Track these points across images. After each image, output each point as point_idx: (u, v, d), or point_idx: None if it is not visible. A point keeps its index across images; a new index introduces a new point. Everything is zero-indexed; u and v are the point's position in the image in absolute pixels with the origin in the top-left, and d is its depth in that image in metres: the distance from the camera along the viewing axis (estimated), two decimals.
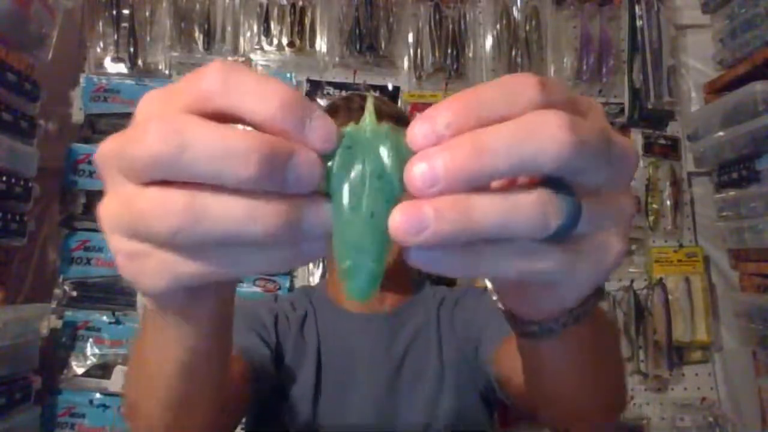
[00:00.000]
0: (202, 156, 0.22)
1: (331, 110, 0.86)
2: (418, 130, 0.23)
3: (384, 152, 0.25)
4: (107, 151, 0.25)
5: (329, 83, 1.50)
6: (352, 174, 0.24)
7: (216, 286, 0.32)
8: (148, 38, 1.48)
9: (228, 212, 0.22)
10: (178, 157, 0.22)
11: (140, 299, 1.37)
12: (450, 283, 1.43)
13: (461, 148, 0.22)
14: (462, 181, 0.22)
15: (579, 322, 0.33)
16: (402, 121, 0.91)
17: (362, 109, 0.85)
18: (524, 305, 0.34)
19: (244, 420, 0.83)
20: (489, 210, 0.23)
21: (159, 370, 0.39)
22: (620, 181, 0.27)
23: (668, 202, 1.50)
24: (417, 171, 0.23)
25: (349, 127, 0.25)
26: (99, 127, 1.43)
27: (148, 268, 0.25)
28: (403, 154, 0.24)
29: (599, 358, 0.40)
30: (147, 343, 0.38)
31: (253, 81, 0.23)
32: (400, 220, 0.23)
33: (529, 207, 0.23)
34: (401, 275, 0.88)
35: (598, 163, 0.24)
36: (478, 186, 0.23)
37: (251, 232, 0.23)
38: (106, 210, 0.26)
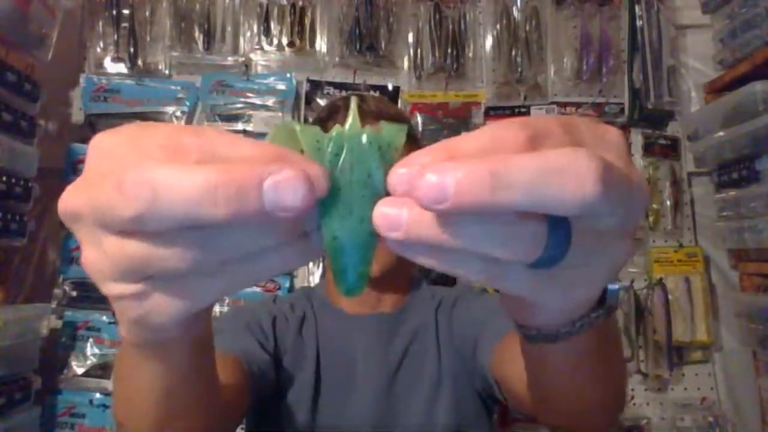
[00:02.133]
0: (176, 207, 0.21)
1: (331, 110, 0.86)
2: (397, 173, 0.23)
3: (369, 157, 0.25)
4: (78, 207, 0.25)
5: (329, 83, 1.50)
6: (341, 183, 0.25)
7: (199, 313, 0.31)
8: (148, 38, 1.48)
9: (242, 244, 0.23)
10: (153, 213, 0.21)
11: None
12: (448, 282, 1.43)
13: (477, 173, 0.21)
14: (470, 210, 0.21)
15: (580, 332, 0.32)
16: (402, 121, 0.91)
17: (360, 109, 0.85)
18: (517, 312, 0.34)
19: (244, 420, 0.83)
20: (471, 231, 0.22)
21: (141, 397, 0.38)
22: (628, 224, 0.25)
23: (668, 202, 1.49)
24: (425, 185, 0.21)
25: (335, 131, 0.25)
26: (99, 127, 1.43)
27: (157, 302, 0.25)
28: (388, 159, 0.25)
29: (601, 364, 0.40)
30: (126, 374, 0.37)
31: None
32: (381, 217, 0.23)
33: (516, 235, 0.22)
34: (399, 276, 0.88)
35: (616, 211, 0.23)
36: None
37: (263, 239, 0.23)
38: (95, 263, 0.25)
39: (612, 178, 0.22)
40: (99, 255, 0.25)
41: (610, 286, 0.32)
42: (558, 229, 0.23)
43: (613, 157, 0.24)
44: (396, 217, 0.23)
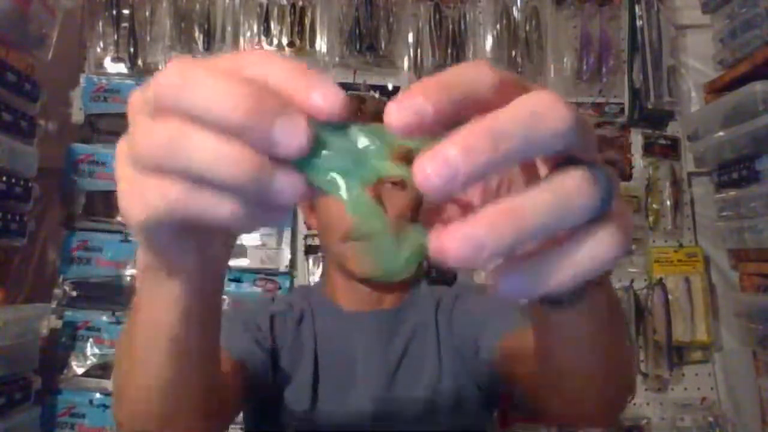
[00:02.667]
0: (200, 96, 0.24)
1: None
2: (396, 116, 0.24)
3: (361, 140, 0.26)
4: (135, 98, 0.28)
5: None
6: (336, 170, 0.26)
7: (201, 239, 0.33)
8: (148, 38, 1.48)
9: (205, 146, 0.24)
10: (187, 93, 0.24)
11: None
12: (447, 282, 1.43)
13: (477, 138, 0.23)
14: (482, 172, 0.23)
15: (599, 285, 0.34)
16: None
17: (360, 111, 0.85)
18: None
19: (242, 421, 0.84)
20: (539, 205, 0.23)
21: (150, 343, 0.39)
22: (592, 151, 0.27)
23: (668, 202, 1.50)
24: (430, 168, 0.23)
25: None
26: (99, 127, 1.44)
27: (136, 194, 0.26)
28: (385, 139, 0.26)
29: (612, 329, 0.40)
30: (138, 314, 0.39)
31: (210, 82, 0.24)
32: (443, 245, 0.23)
33: (575, 188, 0.24)
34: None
35: (585, 133, 0.25)
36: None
37: (222, 171, 0.24)
38: (121, 143, 0.28)
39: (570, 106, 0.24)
40: (126, 139, 0.28)
41: None
42: (595, 169, 0.25)
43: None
44: (474, 240, 0.23)
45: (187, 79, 0.24)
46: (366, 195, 0.26)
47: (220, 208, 0.25)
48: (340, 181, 0.26)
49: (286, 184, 0.25)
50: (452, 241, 0.23)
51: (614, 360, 0.43)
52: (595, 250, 0.25)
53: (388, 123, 0.24)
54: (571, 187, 0.24)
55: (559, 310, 0.35)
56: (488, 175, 0.23)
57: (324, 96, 0.25)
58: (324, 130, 0.26)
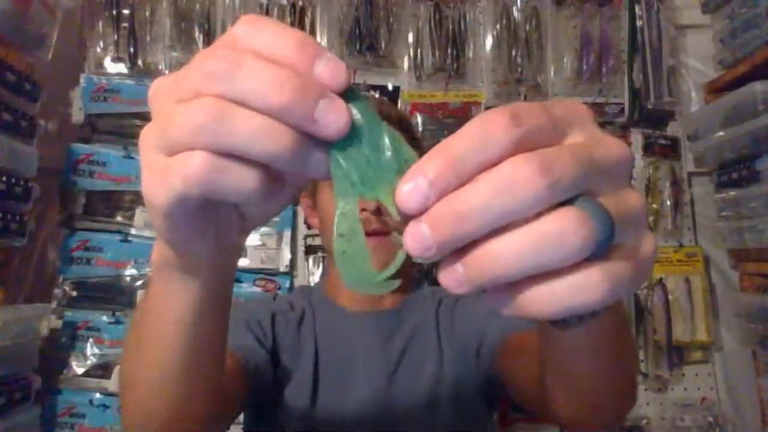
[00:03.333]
0: (250, 77, 0.25)
1: None
2: (405, 191, 0.24)
3: (386, 150, 0.28)
4: (161, 85, 0.28)
5: None
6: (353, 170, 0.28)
7: (219, 226, 0.33)
8: (148, 38, 1.48)
9: (250, 121, 0.25)
10: (232, 76, 0.25)
11: (140, 296, 1.37)
12: None
13: (443, 220, 0.24)
14: (452, 245, 0.24)
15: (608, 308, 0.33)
16: (403, 122, 0.91)
17: None
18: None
19: (243, 420, 0.84)
20: (514, 250, 0.23)
21: (162, 331, 0.39)
22: (618, 184, 0.26)
23: (668, 202, 1.49)
24: (410, 240, 0.24)
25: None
26: (99, 127, 1.43)
27: (161, 176, 0.27)
28: (402, 155, 0.28)
29: (619, 345, 0.40)
30: (151, 303, 0.39)
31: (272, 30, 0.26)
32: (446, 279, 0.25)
33: (557, 229, 0.23)
34: (399, 274, 0.88)
35: (589, 179, 0.24)
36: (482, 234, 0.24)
37: (264, 143, 0.25)
38: (147, 129, 0.28)
39: (557, 161, 0.23)
40: (153, 124, 0.28)
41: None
42: (593, 207, 0.24)
43: (589, 128, 0.26)
44: (453, 274, 0.25)
45: (231, 64, 0.25)
46: (355, 213, 0.28)
47: (244, 181, 0.26)
48: (341, 194, 0.28)
49: (320, 158, 0.27)
50: (441, 276, 0.25)
51: (618, 374, 0.43)
52: (584, 288, 0.24)
53: (398, 201, 0.25)
54: (558, 230, 0.23)
55: (561, 328, 0.34)
56: (466, 240, 0.24)
57: (328, 68, 0.26)
58: (362, 118, 0.27)
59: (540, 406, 0.55)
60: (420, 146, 0.96)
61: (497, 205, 0.23)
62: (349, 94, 0.27)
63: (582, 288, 0.24)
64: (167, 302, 0.38)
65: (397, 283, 0.29)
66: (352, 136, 0.27)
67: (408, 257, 0.27)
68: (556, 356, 0.43)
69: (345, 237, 0.29)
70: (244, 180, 0.26)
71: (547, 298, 0.24)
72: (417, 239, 0.24)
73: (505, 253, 0.23)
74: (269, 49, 0.26)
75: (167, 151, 0.27)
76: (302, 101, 0.25)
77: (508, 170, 0.23)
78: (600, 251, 0.23)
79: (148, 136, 0.28)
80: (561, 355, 0.42)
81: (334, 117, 0.26)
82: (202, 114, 0.25)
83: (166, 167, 0.27)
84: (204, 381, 0.44)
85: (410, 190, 0.24)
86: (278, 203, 0.32)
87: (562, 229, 0.23)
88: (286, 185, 0.30)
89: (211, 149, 0.26)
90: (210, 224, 0.33)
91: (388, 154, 0.28)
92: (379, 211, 0.76)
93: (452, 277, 0.24)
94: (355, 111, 0.27)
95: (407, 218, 0.25)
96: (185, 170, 0.26)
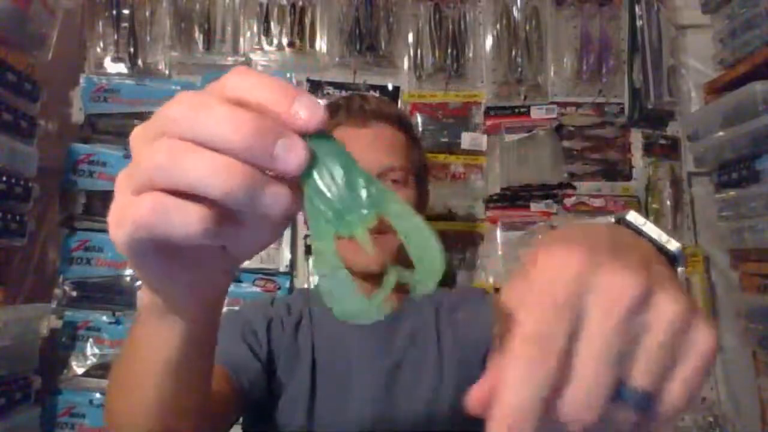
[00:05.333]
0: (210, 119, 0.26)
1: (332, 109, 0.86)
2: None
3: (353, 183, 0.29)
4: (137, 130, 0.29)
5: (329, 83, 1.50)
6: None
7: (191, 268, 0.33)
8: (148, 38, 1.48)
9: (204, 160, 0.26)
10: (193, 119, 0.26)
11: (139, 300, 1.37)
12: (447, 283, 1.43)
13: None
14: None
15: None
16: (403, 121, 0.91)
17: (361, 109, 0.85)
18: None
19: (242, 420, 0.83)
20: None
21: (148, 368, 0.39)
22: (672, 331, 0.26)
23: (668, 202, 1.49)
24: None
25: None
26: (99, 127, 1.43)
27: (120, 215, 0.28)
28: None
29: None
30: (138, 341, 0.39)
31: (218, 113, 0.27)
32: None
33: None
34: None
35: (628, 362, 0.25)
36: None
37: (216, 182, 0.26)
38: (120, 175, 0.29)
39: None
40: (126, 169, 0.29)
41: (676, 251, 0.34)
42: (629, 394, 0.25)
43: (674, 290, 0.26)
44: None
45: (193, 108, 0.26)
46: (332, 250, 0.29)
47: (188, 223, 0.26)
48: (316, 234, 0.29)
49: (276, 194, 0.27)
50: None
51: None
52: None
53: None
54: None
55: None
56: None
57: (306, 108, 0.27)
58: (323, 155, 0.28)
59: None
60: (419, 146, 0.95)
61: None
62: (319, 134, 0.28)
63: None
64: (150, 347, 0.38)
65: (390, 306, 0.29)
66: (324, 175, 0.28)
67: (399, 270, 0.29)
68: None
69: (327, 276, 0.30)
70: (189, 221, 0.26)
71: None
72: None
73: None
74: (251, 93, 0.27)
75: (133, 191, 0.28)
76: (261, 139, 0.26)
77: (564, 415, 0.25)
78: (647, 408, 0.26)
79: (120, 177, 0.29)
80: None
81: (293, 154, 0.26)
82: (161, 153, 0.26)
83: (122, 209, 0.28)
84: (189, 416, 0.44)
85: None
86: (260, 240, 0.32)
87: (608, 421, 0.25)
88: (266, 222, 0.30)
89: (169, 188, 0.26)
90: (186, 263, 0.32)
91: (362, 192, 0.28)
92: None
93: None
94: (326, 150, 0.28)
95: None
96: (135, 213, 0.27)
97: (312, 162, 0.28)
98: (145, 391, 0.40)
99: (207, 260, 0.33)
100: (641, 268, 0.26)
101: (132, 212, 0.27)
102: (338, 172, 0.28)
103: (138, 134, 0.29)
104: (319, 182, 0.28)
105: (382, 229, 0.29)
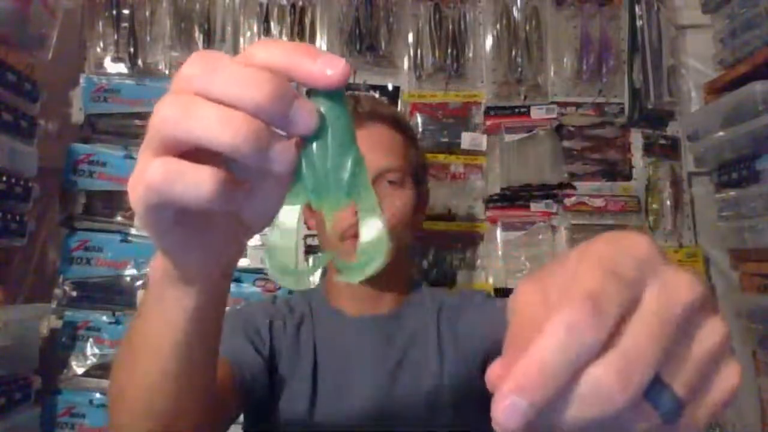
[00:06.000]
0: (230, 77, 0.27)
1: None
2: (503, 411, 0.23)
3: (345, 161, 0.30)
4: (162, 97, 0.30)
5: None
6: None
7: (204, 232, 0.33)
8: (148, 38, 1.48)
9: (212, 110, 0.26)
10: (211, 76, 0.27)
11: (141, 299, 1.37)
12: (447, 284, 1.43)
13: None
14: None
15: None
16: (399, 121, 0.91)
17: (354, 111, 0.85)
18: None
19: (242, 420, 0.83)
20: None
21: (158, 341, 0.39)
22: (696, 330, 0.25)
23: (668, 202, 1.49)
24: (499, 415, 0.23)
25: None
26: (99, 127, 1.43)
27: (137, 179, 0.28)
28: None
29: None
30: (148, 313, 0.39)
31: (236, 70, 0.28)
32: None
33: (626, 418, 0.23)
34: (398, 275, 0.87)
35: (663, 356, 0.23)
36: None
37: (224, 133, 0.26)
38: (144, 140, 0.29)
39: (635, 364, 0.23)
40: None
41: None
42: (660, 393, 0.24)
43: (660, 275, 0.24)
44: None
45: (213, 67, 0.27)
46: (298, 211, 0.31)
47: (200, 185, 0.27)
48: (292, 193, 0.30)
49: (282, 151, 0.28)
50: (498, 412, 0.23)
51: None
52: None
53: (497, 420, 0.23)
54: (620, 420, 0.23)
55: None
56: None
57: (330, 65, 0.28)
58: (329, 122, 0.29)
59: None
60: (416, 146, 0.95)
61: (585, 417, 0.23)
62: (334, 96, 0.29)
63: None
64: (161, 316, 0.38)
65: (307, 281, 0.31)
66: (320, 145, 0.29)
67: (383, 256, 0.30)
68: None
69: (280, 230, 0.31)
70: (200, 183, 0.27)
71: None
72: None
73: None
74: (275, 57, 0.28)
75: (150, 155, 0.28)
76: (280, 99, 0.27)
77: (591, 385, 0.22)
78: (671, 422, 0.24)
79: (143, 144, 0.29)
80: None
81: (306, 118, 0.28)
82: (170, 106, 0.27)
83: (138, 174, 0.28)
84: (196, 396, 0.44)
85: (509, 411, 0.22)
86: (268, 206, 0.32)
87: (629, 419, 0.23)
88: (271, 182, 0.30)
89: (177, 141, 0.27)
90: (200, 230, 0.32)
91: (346, 176, 0.30)
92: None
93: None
94: (333, 117, 0.29)
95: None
96: (147, 177, 0.27)
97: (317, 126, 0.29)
98: (154, 363, 0.40)
99: (221, 226, 0.34)
100: (699, 282, 0.25)
101: (145, 176, 0.27)
102: (334, 148, 0.29)
103: (162, 99, 0.29)
104: (314, 150, 0.29)
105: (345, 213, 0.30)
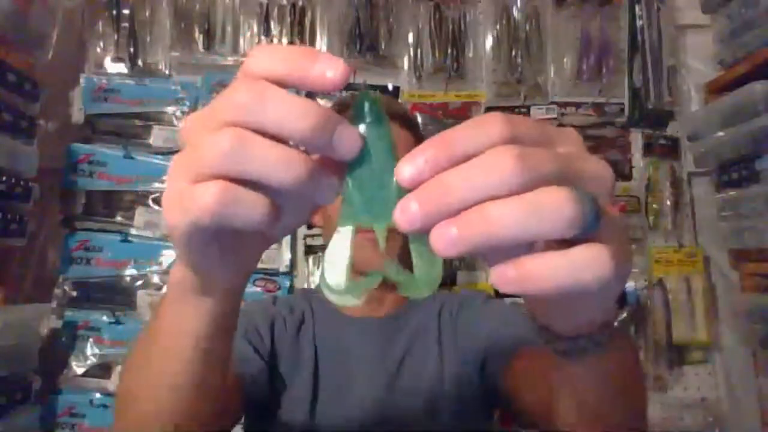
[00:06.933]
0: (277, 108, 0.27)
1: (341, 107, 0.87)
2: (403, 165, 0.27)
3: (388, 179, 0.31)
4: (193, 118, 0.30)
5: None
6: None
7: (238, 252, 0.35)
8: (148, 38, 1.48)
9: (270, 150, 0.27)
10: (261, 107, 0.27)
11: (141, 299, 1.37)
12: (448, 285, 1.43)
13: (429, 194, 0.27)
14: (436, 217, 0.26)
15: (612, 339, 0.35)
16: (410, 120, 0.91)
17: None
18: (560, 320, 0.35)
19: (243, 420, 0.83)
20: (506, 212, 0.25)
21: (175, 343, 0.40)
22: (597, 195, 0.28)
23: (668, 202, 1.49)
24: (398, 214, 0.27)
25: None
26: (99, 127, 1.43)
27: (179, 202, 0.28)
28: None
29: (625, 382, 0.41)
30: (166, 316, 0.40)
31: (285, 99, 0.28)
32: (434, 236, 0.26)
33: (550, 202, 0.25)
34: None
35: (565, 179, 0.26)
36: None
37: (283, 173, 0.27)
38: (176, 157, 0.30)
39: (533, 157, 0.26)
40: (182, 156, 0.30)
41: (627, 288, 0.35)
42: (583, 194, 0.26)
43: (577, 147, 0.30)
44: (445, 232, 0.26)
45: (259, 95, 0.27)
46: (351, 231, 0.32)
47: (255, 211, 0.28)
48: (343, 216, 0.31)
49: (331, 183, 0.29)
50: (434, 237, 0.26)
51: (625, 410, 0.43)
52: (578, 265, 0.26)
53: (396, 173, 0.27)
54: (546, 201, 0.25)
55: (566, 358, 0.36)
56: (450, 212, 0.26)
57: (328, 67, 0.28)
58: (371, 144, 0.31)
59: (544, 421, 0.55)
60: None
61: (478, 183, 0.26)
62: (375, 120, 0.31)
63: (577, 265, 0.26)
64: (181, 323, 0.39)
65: (365, 296, 0.32)
66: (366, 166, 0.30)
67: (396, 266, 0.31)
68: (564, 384, 0.44)
69: (332, 253, 0.32)
70: (254, 210, 0.28)
71: (545, 273, 0.26)
72: (404, 212, 0.26)
73: (496, 214, 0.25)
74: (277, 66, 0.29)
75: (193, 178, 0.28)
76: (324, 127, 0.28)
77: (489, 155, 0.26)
78: (590, 229, 0.26)
79: (176, 163, 0.29)
80: (568, 383, 0.43)
81: (349, 143, 0.29)
82: (228, 142, 0.27)
83: (185, 196, 0.28)
84: (209, 399, 0.45)
85: (408, 164, 0.27)
86: (297, 223, 0.35)
87: (552, 200, 0.25)
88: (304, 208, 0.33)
89: (233, 176, 0.27)
90: (232, 247, 0.34)
91: (392, 194, 0.30)
92: None
93: (445, 239, 0.26)
94: (374, 138, 0.31)
95: None
96: (202, 200, 0.27)
97: (360, 149, 0.30)
98: (169, 366, 0.41)
99: (250, 242, 0.35)
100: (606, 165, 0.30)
101: (198, 200, 0.27)
102: (378, 167, 0.30)
103: (195, 122, 0.29)
104: (360, 172, 0.30)
105: (394, 228, 0.30)
